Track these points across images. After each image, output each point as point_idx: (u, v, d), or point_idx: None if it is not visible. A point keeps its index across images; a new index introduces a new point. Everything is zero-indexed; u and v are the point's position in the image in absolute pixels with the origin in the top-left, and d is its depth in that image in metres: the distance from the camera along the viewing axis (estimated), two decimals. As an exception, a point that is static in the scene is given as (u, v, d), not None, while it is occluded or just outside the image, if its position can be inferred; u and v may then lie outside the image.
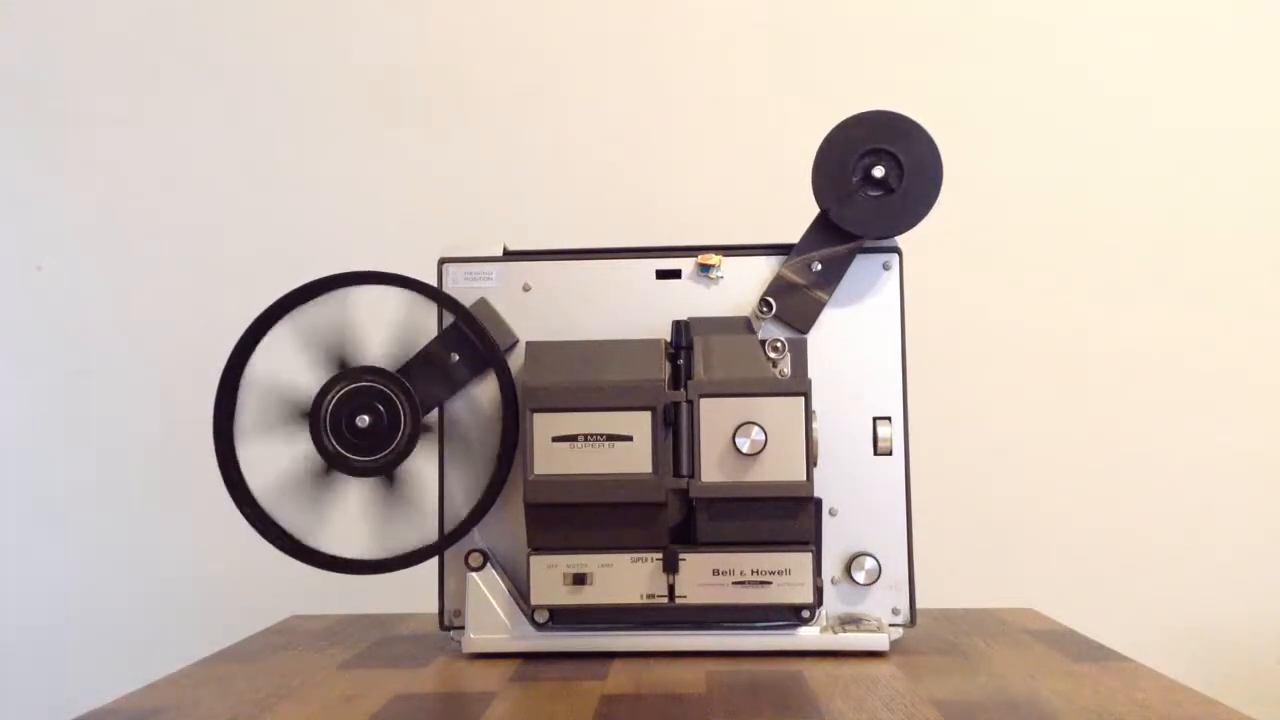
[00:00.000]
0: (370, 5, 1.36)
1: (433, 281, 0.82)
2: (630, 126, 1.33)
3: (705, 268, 0.82)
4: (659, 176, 1.32)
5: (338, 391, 0.79)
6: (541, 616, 0.79)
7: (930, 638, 0.83)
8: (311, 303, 0.79)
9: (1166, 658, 0.80)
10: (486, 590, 0.80)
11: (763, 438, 0.75)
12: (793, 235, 0.82)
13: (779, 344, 0.79)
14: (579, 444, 0.76)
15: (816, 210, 0.81)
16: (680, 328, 0.80)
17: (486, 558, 0.81)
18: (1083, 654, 0.77)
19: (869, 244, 0.82)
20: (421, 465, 0.81)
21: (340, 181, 1.34)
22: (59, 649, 1.33)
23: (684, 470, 0.76)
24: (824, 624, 0.79)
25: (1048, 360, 1.30)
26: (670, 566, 0.76)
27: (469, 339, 0.80)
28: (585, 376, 0.78)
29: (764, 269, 0.82)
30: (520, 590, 0.80)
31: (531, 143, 1.33)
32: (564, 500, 0.76)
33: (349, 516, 0.80)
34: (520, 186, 1.33)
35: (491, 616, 0.80)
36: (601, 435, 0.76)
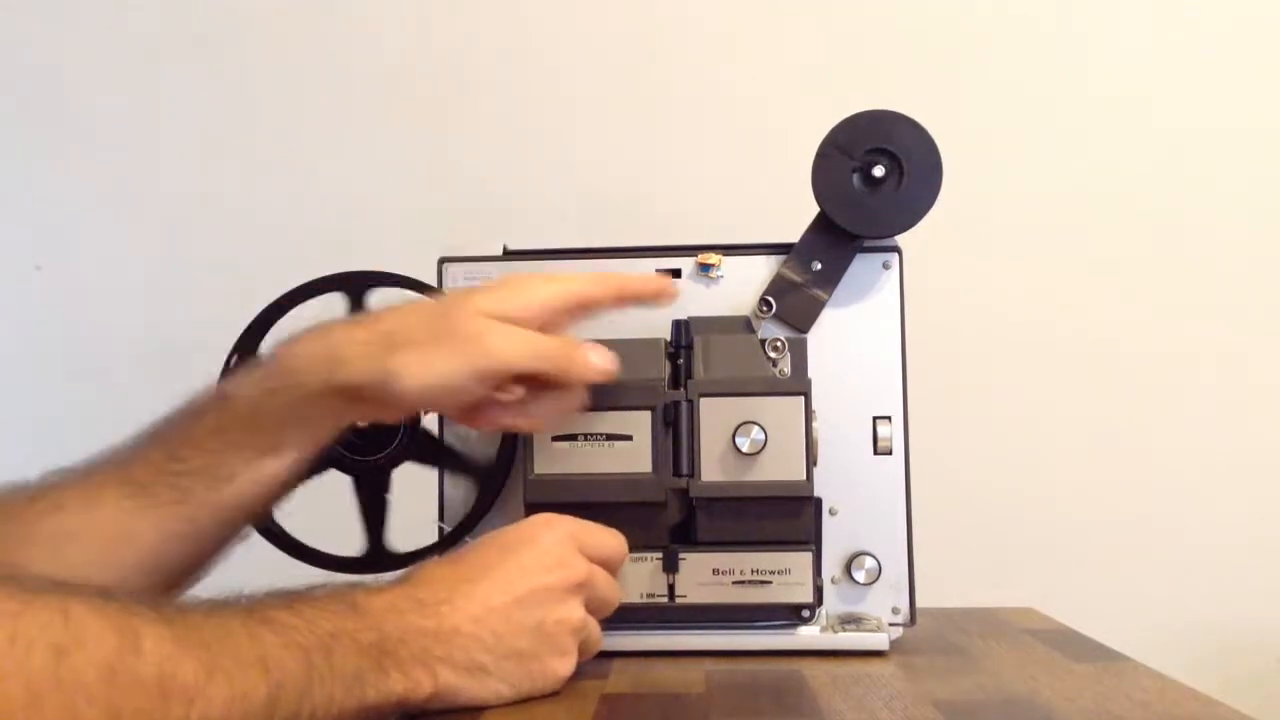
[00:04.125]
0: (370, 4, 1.36)
1: (433, 281, 0.82)
2: (630, 126, 1.33)
3: (705, 267, 0.82)
4: (659, 176, 1.32)
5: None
6: (541, 616, 0.78)
7: (930, 637, 0.83)
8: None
9: (1166, 658, 0.80)
10: (486, 590, 0.80)
11: (763, 437, 0.75)
12: (793, 235, 0.82)
13: (779, 343, 0.79)
14: (579, 444, 0.76)
15: (816, 210, 0.81)
16: (680, 327, 0.80)
17: (486, 557, 0.80)
18: (1083, 654, 0.77)
19: (869, 244, 0.82)
20: (419, 465, 0.80)
21: (340, 181, 1.34)
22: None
23: (684, 470, 0.76)
24: (824, 623, 0.79)
25: (1048, 359, 1.30)
26: (670, 566, 0.76)
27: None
28: (585, 376, 0.78)
29: (764, 269, 0.82)
30: (520, 590, 0.80)
31: (532, 142, 1.33)
32: (564, 500, 0.76)
33: (349, 516, 0.80)
34: (520, 186, 1.33)
35: (491, 616, 0.79)
36: (601, 435, 0.76)
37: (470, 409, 0.68)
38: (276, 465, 0.66)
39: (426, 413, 0.77)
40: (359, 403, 0.66)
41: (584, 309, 0.71)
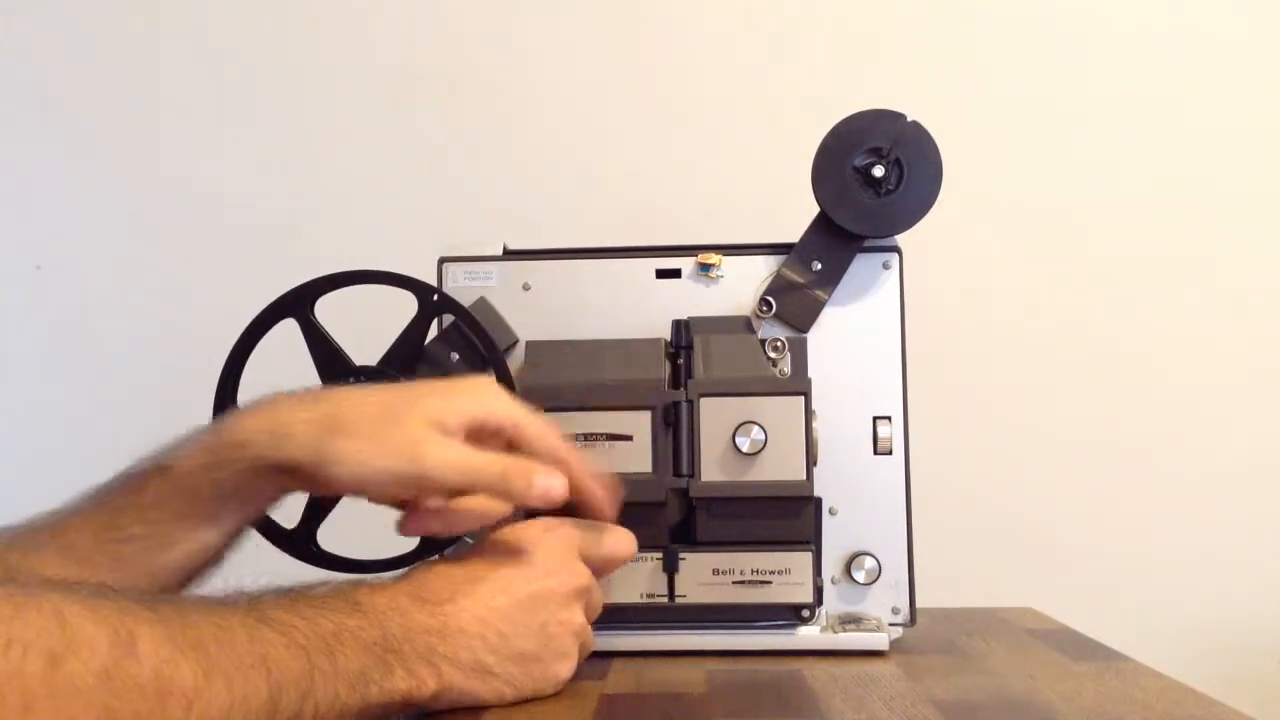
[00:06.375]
0: (370, 3, 1.36)
1: (432, 281, 0.82)
2: (630, 126, 1.33)
3: (705, 267, 0.82)
4: (659, 176, 1.32)
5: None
6: (541, 616, 0.78)
7: (930, 637, 0.83)
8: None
9: (1166, 658, 0.80)
10: (486, 590, 0.80)
11: (763, 437, 0.75)
12: (793, 235, 0.82)
13: (779, 343, 0.79)
14: (579, 444, 0.76)
15: (816, 210, 0.81)
16: (680, 327, 0.80)
17: (486, 557, 0.80)
18: (1083, 654, 0.77)
19: (869, 244, 0.82)
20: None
21: (340, 181, 1.34)
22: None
23: (684, 470, 0.76)
24: (824, 623, 0.79)
25: (1048, 359, 1.30)
26: (670, 566, 0.76)
27: (469, 339, 0.80)
28: (585, 376, 0.78)
29: (764, 269, 0.82)
30: (520, 590, 0.79)
31: (531, 142, 1.33)
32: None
33: (348, 516, 0.80)
34: (520, 186, 1.33)
35: (491, 616, 0.79)
36: (601, 435, 0.76)
37: (403, 504, 0.67)
38: (213, 535, 0.67)
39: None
40: (297, 478, 0.66)
41: (519, 445, 0.67)
